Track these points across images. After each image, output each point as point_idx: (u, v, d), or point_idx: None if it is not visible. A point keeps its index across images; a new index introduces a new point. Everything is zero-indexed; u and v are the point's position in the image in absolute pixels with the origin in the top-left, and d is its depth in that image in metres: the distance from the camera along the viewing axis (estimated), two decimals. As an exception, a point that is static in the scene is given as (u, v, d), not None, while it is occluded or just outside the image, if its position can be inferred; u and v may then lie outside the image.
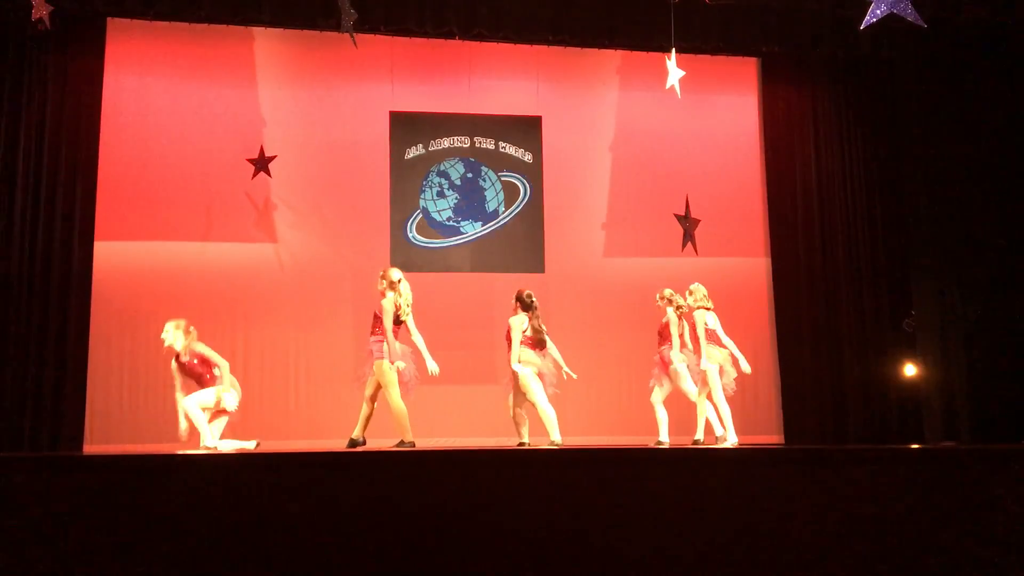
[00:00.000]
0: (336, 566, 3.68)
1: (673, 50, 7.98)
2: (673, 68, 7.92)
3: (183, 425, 6.60)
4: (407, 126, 9.44)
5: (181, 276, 8.65)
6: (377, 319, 6.79)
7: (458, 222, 9.45)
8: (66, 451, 7.92)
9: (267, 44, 9.18)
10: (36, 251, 8.28)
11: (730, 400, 7.49)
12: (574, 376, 7.33)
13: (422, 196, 9.41)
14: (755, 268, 9.83)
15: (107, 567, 3.63)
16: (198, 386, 6.65)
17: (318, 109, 9.28)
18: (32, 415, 8.06)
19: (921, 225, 9.65)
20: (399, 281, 6.83)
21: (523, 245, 9.48)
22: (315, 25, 8.56)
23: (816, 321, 9.60)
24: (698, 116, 9.82)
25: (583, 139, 9.74)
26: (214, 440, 6.60)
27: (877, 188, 9.85)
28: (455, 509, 3.85)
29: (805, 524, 4.02)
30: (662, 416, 7.63)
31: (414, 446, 6.59)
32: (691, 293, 7.56)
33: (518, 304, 7.22)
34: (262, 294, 8.91)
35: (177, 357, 6.67)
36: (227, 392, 6.59)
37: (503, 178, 9.58)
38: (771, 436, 9.44)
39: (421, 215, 9.38)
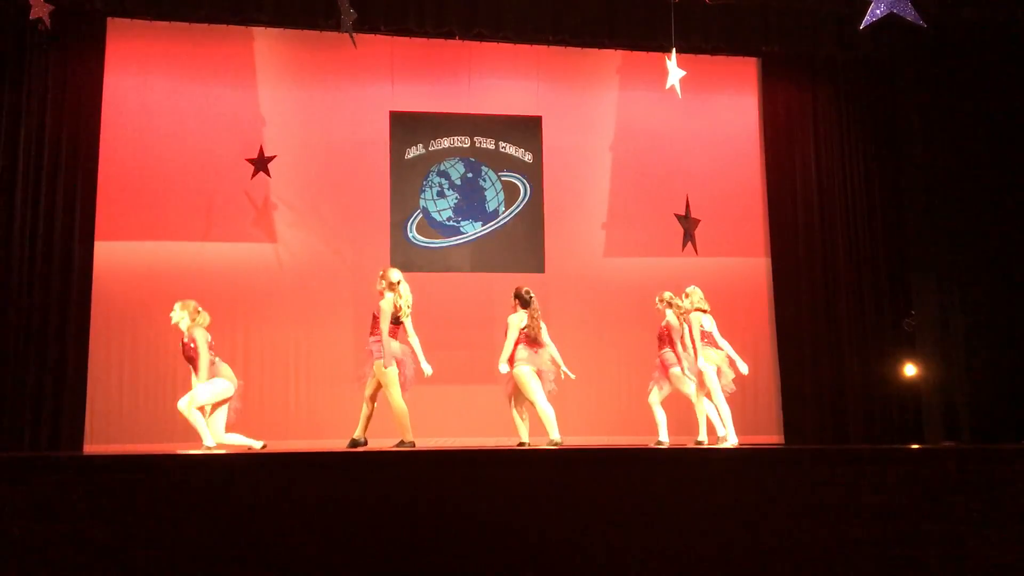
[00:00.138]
0: (336, 566, 3.68)
1: (673, 50, 7.98)
2: (673, 68, 7.92)
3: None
4: (407, 126, 9.43)
5: (181, 276, 8.64)
6: (376, 320, 6.79)
7: (458, 222, 9.45)
8: (66, 451, 7.92)
9: (267, 44, 9.18)
10: (36, 250, 8.28)
11: (730, 400, 7.49)
12: (572, 376, 7.33)
13: (422, 196, 9.41)
14: (755, 268, 9.83)
15: (107, 567, 3.63)
16: (193, 372, 6.65)
17: (318, 109, 9.28)
18: (32, 415, 8.05)
19: (921, 224, 9.65)
20: (398, 283, 6.83)
21: (523, 245, 9.48)
22: (315, 25, 8.56)
23: (816, 321, 9.59)
24: (698, 116, 9.81)
25: (583, 139, 9.74)
26: (214, 439, 6.60)
27: (877, 188, 9.85)
28: (455, 509, 3.85)
29: (805, 524, 4.02)
30: (660, 416, 7.65)
31: (414, 446, 6.59)
32: (688, 296, 7.59)
33: (517, 301, 7.23)
34: (262, 294, 8.90)
35: (182, 337, 6.69)
36: (203, 383, 6.55)
37: (503, 178, 9.58)
38: (771, 436, 9.44)
39: (421, 215, 9.38)
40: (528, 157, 9.61)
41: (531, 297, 7.20)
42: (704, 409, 7.50)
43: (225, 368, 6.71)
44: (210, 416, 6.66)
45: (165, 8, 8.33)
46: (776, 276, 9.74)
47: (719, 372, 7.40)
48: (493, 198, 9.53)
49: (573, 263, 9.53)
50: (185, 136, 8.93)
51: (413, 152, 9.44)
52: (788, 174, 9.84)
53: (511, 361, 7.12)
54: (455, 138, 9.53)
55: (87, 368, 8.33)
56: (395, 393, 6.67)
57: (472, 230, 9.45)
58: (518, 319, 7.15)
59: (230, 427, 6.78)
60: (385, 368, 6.65)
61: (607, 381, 9.19)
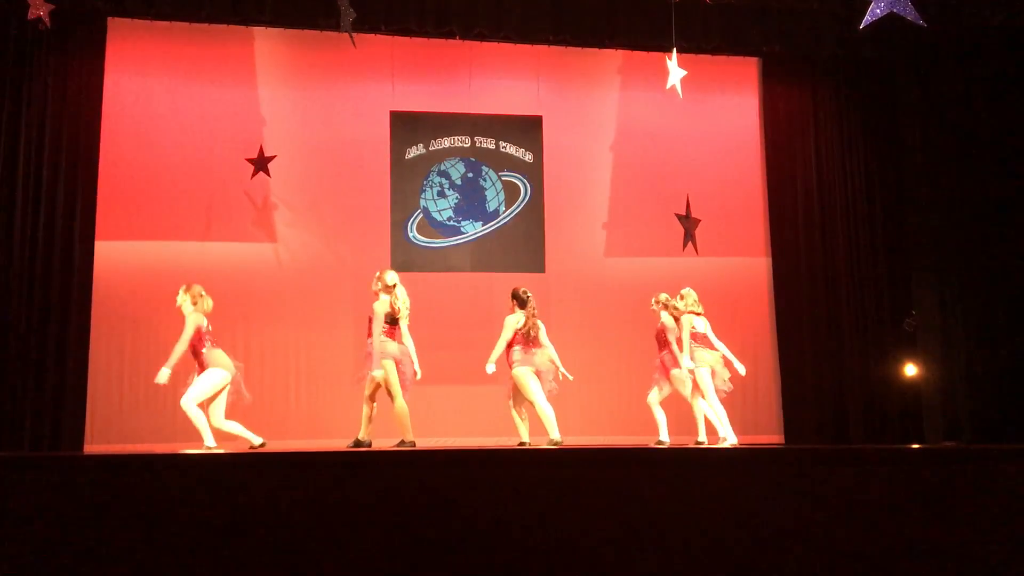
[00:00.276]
0: (336, 565, 3.69)
1: (674, 50, 7.99)
2: (674, 68, 7.93)
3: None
4: (408, 126, 9.44)
5: (181, 275, 8.54)
6: (371, 322, 6.81)
7: (459, 222, 9.45)
8: (67, 451, 7.92)
9: (267, 44, 9.18)
10: (37, 250, 8.28)
11: (730, 400, 7.51)
12: (570, 377, 7.35)
13: (423, 196, 9.41)
14: (756, 268, 9.84)
15: (108, 567, 3.63)
16: (192, 358, 6.64)
17: (318, 109, 9.28)
18: (33, 415, 8.06)
19: (921, 224, 9.65)
20: (394, 286, 6.85)
21: (524, 245, 9.48)
22: (316, 25, 8.56)
23: (816, 321, 9.60)
24: (699, 116, 9.82)
25: (584, 139, 9.74)
26: (214, 425, 6.57)
27: (877, 188, 9.85)
28: (455, 509, 3.85)
29: (805, 524, 4.02)
30: (660, 416, 7.67)
31: (415, 445, 6.60)
32: (682, 297, 7.65)
33: (515, 302, 7.25)
34: (262, 294, 8.91)
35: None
36: (199, 378, 6.54)
37: (504, 178, 9.58)
38: (771, 436, 9.45)
39: (421, 215, 9.38)
40: (529, 157, 9.62)
41: (528, 298, 7.22)
42: (701, 409, 7.52)
43: (219, 356, 6.64)
44: (213, 404, 6.64)
45: (165, 8, 8.34)
46: (776, 276, 9.74)
47: (712, 373, 7.42)
48: (493, 198, 9.54)
49: (573, 263, 9.53)
50: (185, 136, 8.93)
51: (413, 152, 9.44)
52: (788, 174, 9.85)
53: (509, 363, 7.14)
54: (456, 138, 9.53)
55: (87, 368, 8.33)
56: (398, 393, 6.68)
57: (472, 230, 9.45)
58: (514, 320, 7.16)
59: (229, 417, 6.76)
60: (371, 372, 6.66)
61: (607, 381, 9.19)
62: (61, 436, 8.09)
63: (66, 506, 3.73)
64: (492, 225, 9.50)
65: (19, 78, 8.39)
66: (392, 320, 6.78)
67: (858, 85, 9.95)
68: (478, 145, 9.57)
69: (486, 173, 9.56)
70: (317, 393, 8.84)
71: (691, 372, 7.44)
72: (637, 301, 8.69)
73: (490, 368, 7.09)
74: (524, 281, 8.55)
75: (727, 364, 7.57)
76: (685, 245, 9.29)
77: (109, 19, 8.71)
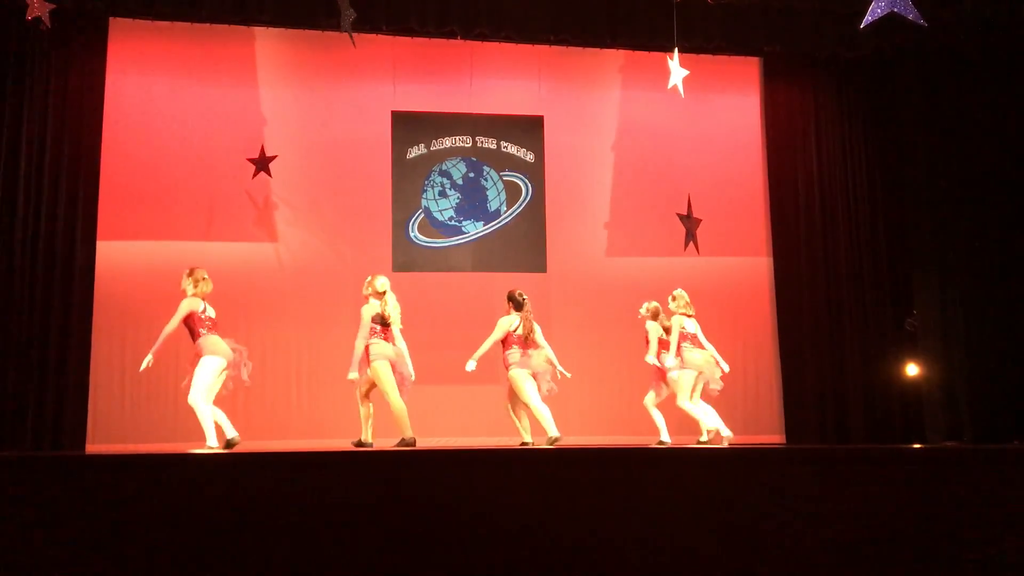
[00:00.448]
0: (337, 565, 3.69)
1: (676, 50, 7.98)
2: (676, 68, 7.92)
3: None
4: (409, 125, 9.44)
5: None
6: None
7: (460, 222, 9.45)
8: (68, 451, 7.93)
9: (268, 44, 9.18)
10: (38, 250, 8.28)
11: (731, 400, 7.53)
12: (567, 375, 7.36)
13: (424, 196, 9.41)
14: (757, 267, 9.83)
15: (110, 567, 3.63)
16: (191, 339, 6.64)
17: (319, 108, 9.28)
18: (34, 414, 8.06)
19: (923, 224, 9.64)
20: (384, 292, 6.88)
21: (525, 245, 9.48)
22: (316, 25, 8.56)
23: (818, 321, 9.59)
24: (700, 116, 9.81)
25: (585, 139, 9.74)
26: (201, 405, 6.54)
27: (879, 187, 9.84)
28: (455, 509, 3.85)
29: (806, 524, 4.02)
30: (658, 418, 7.70)
31: (415, 442, 6.61)
32: (674, 299, 7.68)
33: (510, 304, 7.26)
34: (263, 293, 8.91)
35: None
36: (198, 372, 6.49)
37: (505, 178, 9.57)
38: (773, 436, 9.44)
39: (423, 214, 9.38)
40: (530, 157, 9.61)
41: (524, 299, 7.23)
42: (697, 410, 7.55)
43: (212, 342, 6.57)
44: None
45: (167, 8, 8.34)
46: (778, 276, 9.73)
47: (699, 375, 7.46)
48: (495, 198, 9.53)
49: (575, 263, 9.53)
50: (187, 136, 8.93)
51: (415, 152, 9.44)
52: (790, 174, 9.84)
53: (506, 365, 7.15)
54: (457, 138, 9.53)
55: (89, 368, 8.33)
56: (391, 392, 6.69)
57: (474, 230, 9.45)
58: (507, 322, 7.18)
59: (238, 410, 6.72)
60: (348, 377, 6.73)
61: (609, 381, 9.18)
62: (63, 435, 8.09)
63: (68, 506, 3.73)
64: (493, 225, 9.50)
65: (21, 78, 8.39)
66: (384, 323, 6.81)
67: (859, 84, 9.94)
68: (479, 145, 9.57)
69: (487, 173, 9.56)
70: (318, 393, 8.84)
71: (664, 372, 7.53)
72: (639, 301, 8.66)
73: (470, 365, 7.09)
74: (525, 280, 8.56)
75: (716, 364, 7.61)
76: (687, 245, 9.28)
77: (111, 19, 8.71)
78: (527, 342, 7.13)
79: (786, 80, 9.97)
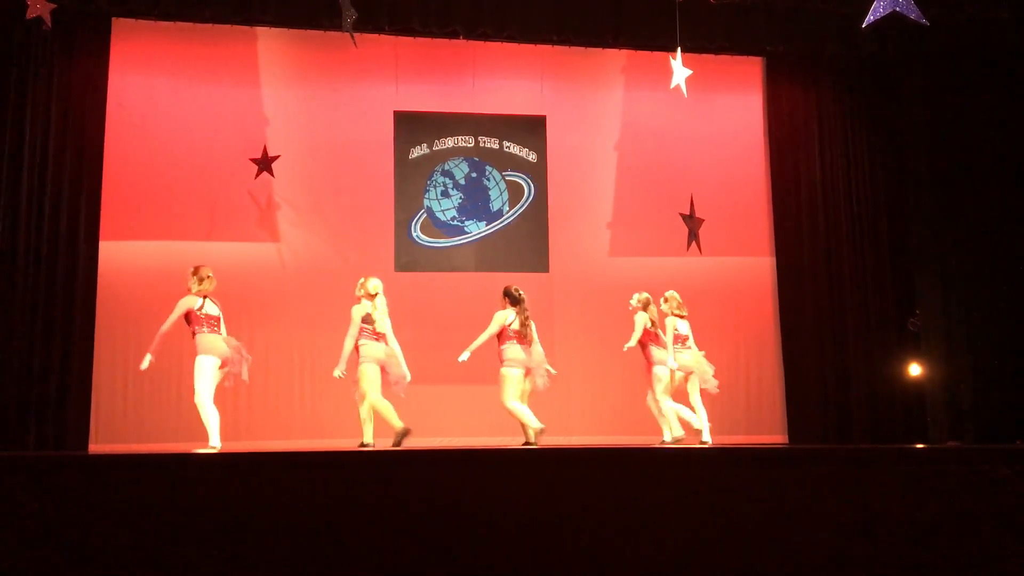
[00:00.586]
0: (337, 565, 3.69)
1: (679, 49, 7.98)
2: (678, 67, 7.92)
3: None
4: (411, 125, 9.44)
5: (185, 275, 8.64)
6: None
7: (462, 222, 9.45)
8: (71, 451, 7.94)
9: (271, 44, 9.19)
10: (41, 250, 8.30)
11: (733, 400, 7.53)
12: (553, 372, 7.36)
13: (426, 196, 9.41)
14: (760, 267, 9.82)
15: (113, 566, 3.63)
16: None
17: (322, 109, 9.29)
18: (37, 414, 8.07)
19: (925, 224, 9.63)
20: (376, 294, 6.91)
21: (527, 245, 9.48)
22: (319, 25, 8.57)
23: (820, 320, 9.58)
24: (703, 115, 9.80)
25: (588, 139, 9.74)
26: (218, 438, 6.59)
27: (882, 187, 9.83)
28: (456, 509, 3.85)
29: (809, 524, 4.01)
30: (660, 416, 7.68)
31: (409, 431, 6.61)
32: (666, 300, 7.70)
33: (506, 299, 7.26)
34: (265, 294, 8.91)
35: None
36: (197, 376, 6.53)
37: (507, 178, 9.57)
38: (775, 436, 9.43)
39: (425, 214, 9.38)
40: (532, 157, 9.61)
41: (519, 295, 7.23)
42: (701, 410, 7.55)
43: (207, 341, 6.60)
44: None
45: (170, 8, 8.35)
46: (780, 276, 9.73)
47: (687, 377, 7.46)
48: (497, 198, 9.53)
49: (578, 263, 9.53)
50: (189, 136, 8.95)
51: (417, 152, 9.44)
52: (793, 173, 9.83)
53: (501, 360, 7.14)
54: (459, 138, 9.53)
55: (92, 367, 8.35)
56: (371, 392, 6.73)
57: (476, 230, 9.45)
58: (503, 316, 7.18)
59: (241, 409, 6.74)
60: (334, 374, 6.80)
61: (612, 381, 9.17)
62: (66, 435, 8.10)
63: (71, 506, 3.74)
64: (496, 225, 9.50)
65: (24, 78, 8.41)
66: (372, 322, 6.85)
67: (862, 84, 9.93)
68: (482, 145, 9.57)
69: (490, 173, 9.56)
70: (320, 393, 8.84)
71: (653, 368, 7.58)
72: (641, 301, 8.69)
73: (463, 356, 7.08)
74: (528, 280, 8.54)
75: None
76: (689, 245, 9.28)
77: (114, 19, 8.73)
78: (523, 338, 7.13)
79: (789, 80, 9.96)
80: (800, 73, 9.94)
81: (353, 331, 6.82)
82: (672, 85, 8.01)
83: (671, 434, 7.46)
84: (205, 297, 6.73)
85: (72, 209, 8.44)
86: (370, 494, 3.85)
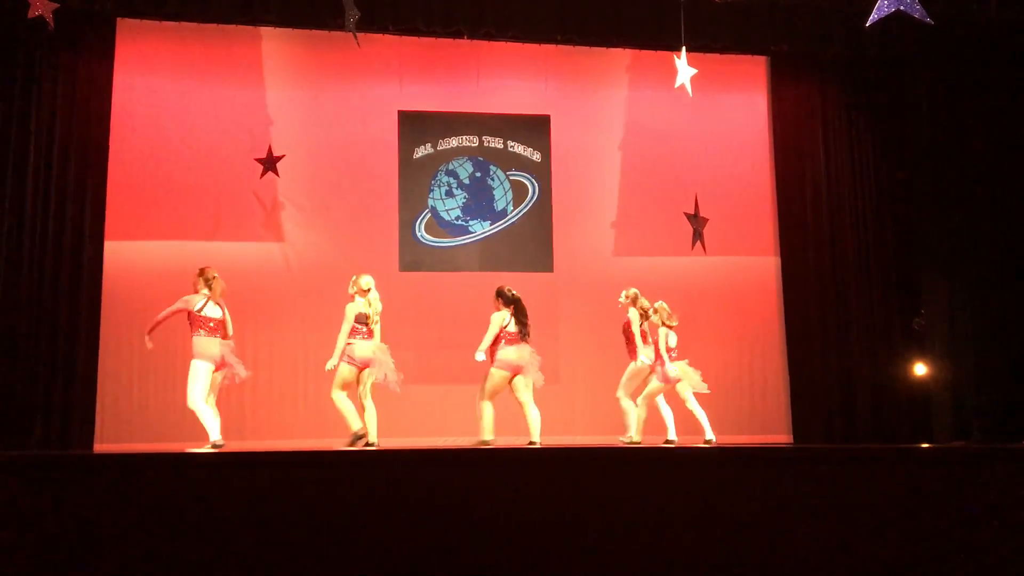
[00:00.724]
0: (337, 565, 3.69)
1: (683, 49, 7.96)
2: (683, 67, 7.91)
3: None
4: (416, 125, 9.44)
5: (189, 275, 8.63)
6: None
7: (467, 221, 9.45)
8: (77, 450, 7.95)
9: (275, 44, 9.20)
10: (46, 250, 8.32)
11: (738, 399, 7.52)
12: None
13: (431, 195, 9.41)
14: (764, 267, 9.81)
15: (117, 565, 3.64)
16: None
17: (326, 108, 9.29)
18: (43, 414, 8.09)
19: (930, 223, 9.61)
20: (368, 290, 6.94)
21: (532, 244, 9.48)
22: (323, 25, 8.56)
23: (825, 320, 9.56)
24: (707, 115, 9.79)
25: (592, 138, 9.73)
26: (197, 401, 6.57)
27: (887, 187, 9.81)
28: (456, 508, 3.85)
29: (813, 523, 4.01)
30: (667, 415, 7.68)
31: (364, 433, 6.61)
32: (656, 311, 7.70)
33: (500, 300, 7.23)
34: (269, 293, 8.92)
35: None
36: (190, 379, 6.57)
37: (512, 177, 9.57)
38: (780, 436, 9.42)
39: (430, 214, 9.38)
40: (537, 156, 9.61)
41: (512, 295, 7.22)
42: (699, 410, 7.55)
43: (199, 345, 6.63)
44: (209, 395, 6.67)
45: (174, 9, 8.35)
46: (785, 275, 9.71)
47: (674, 386, 7.55)
48: (501, 197, 9.53)
49: (582, 262, 9.52)
50: (194, 136, 8.96)
51: (421, 151, 9.44)
52: (797, 173, 9.81)
53: (491, 358, 7.13)
54: (463, 137, 9.53)
55: (97, 367, 8.37)
56: (336, 389, 6.75)
57: (480, 229, 9.45)
58: (500, 317, 7.16)
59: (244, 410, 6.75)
60: (325, 368, 6.81)
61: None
62: (71, 435, 8.12)
63: (76, 505, 3.74)
64: (500, 224, 9.49)
65: (29, 79, 8.42)
66: (364, 322, 6.87)
67: (866, 83, 9.90)
68: (486, 144, 9.57)
69: (494, 172, 9.56)
70: (324, 393, 8.79)
71: (645, 368, 7.63)
72: (645, 301, 8.67)
73: (479, 356, 7.08)
74: (532, 280, 8.54)
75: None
76: (694, 244, 9.27)
77: (118, 20, 8.74)
78: (520, 338, 7.10)
79: (793, 79, 9.94)
80: (805, 72, 9.92)
81: (346, 328, 6.86)
82: (676, 84, 8.00)
83: (628, 434, 7.51)
84: (208, 299, 6.73)
85: (77, 209, 8.45)
86: (370, 494, 3.85)
